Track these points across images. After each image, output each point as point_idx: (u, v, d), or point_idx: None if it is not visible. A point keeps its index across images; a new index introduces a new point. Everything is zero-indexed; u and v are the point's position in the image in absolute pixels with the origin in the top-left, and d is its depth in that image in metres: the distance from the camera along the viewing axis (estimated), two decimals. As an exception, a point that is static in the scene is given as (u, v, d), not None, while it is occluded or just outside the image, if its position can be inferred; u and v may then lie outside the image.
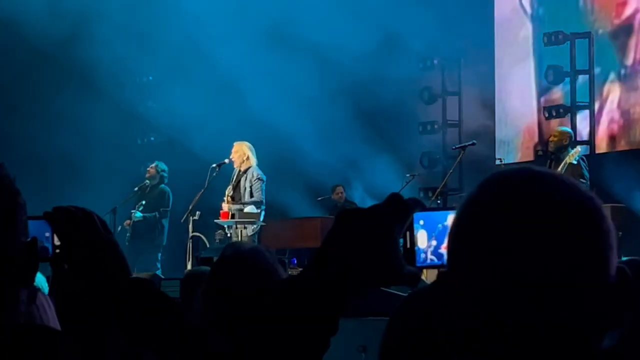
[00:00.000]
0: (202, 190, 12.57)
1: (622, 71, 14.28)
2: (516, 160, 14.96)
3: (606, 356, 1.45)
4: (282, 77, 15.25)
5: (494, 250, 1.43)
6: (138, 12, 15.55)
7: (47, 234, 1.92)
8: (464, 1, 15.53)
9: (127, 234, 13.82)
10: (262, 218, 12.39)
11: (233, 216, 12.22)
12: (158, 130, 16.97)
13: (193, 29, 15.65)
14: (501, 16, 15.89)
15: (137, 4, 15.65)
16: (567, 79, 14.61)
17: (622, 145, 14.22)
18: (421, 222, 1.59)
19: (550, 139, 11.79)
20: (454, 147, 13.44)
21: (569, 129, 12.27)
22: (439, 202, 13.39)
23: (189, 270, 7.50)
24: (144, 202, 13.79)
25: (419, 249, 1.59)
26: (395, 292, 6.34)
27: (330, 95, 15.18)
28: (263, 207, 12.39)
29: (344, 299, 1.47)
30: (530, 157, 14.94)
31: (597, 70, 14.43)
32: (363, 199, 15.31)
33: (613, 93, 14.36)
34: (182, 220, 12.81)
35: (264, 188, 12.39)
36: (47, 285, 3.09)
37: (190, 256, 12.21)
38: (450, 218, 1.55)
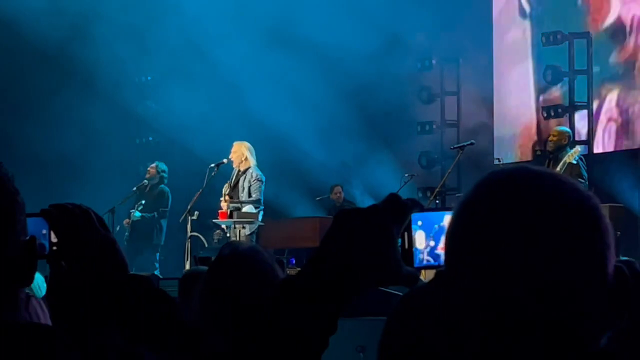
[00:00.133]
0: (201, 190, 12.57)
1: (621, 71, 14.29)
2: (515, 160, 14.95)
3: (603, 355, 1.45)
4: (281, 76, 15.25)
5: (491, 249, 1.43)
6: (137, 12, 15.55)
7: (44, 231, 1.92)
8: (463, 1, 15.53)
9: (126, 233, 13.83)
10: (260, 218, 12.40)
11: (231, 216, 12.22)
12: (156, 130, 16.97)
13: (192, 29, 15.65)
14: (499, 16, 15.88)
15: (136, 4, 15.65)
16: (566, 79, 14.61)
17: (620, 145, 14.22)
18: (419, 223, 1.59)
19: (549, 139, 11.79)
20: (452, 147, 13.43)
21: (567, 129, 12.27)
22: (437, 202, 13.39)
23: (187, 270, 7.48)
24: (143, 202, 13.79)
25: (417, 249, 1.59)
26: (394, 291, 6.34)
27: (328, 94, 15.17)
28: (261, 207, 12.40)
29: (342, 298, 1.47)
30: (529, 157, 14.95)
31: (595, 69, 14.44)
32: (362, 199, 15.31)
33: (611, 93, 14.37)
34: (180, 220, 12.81)
35: (263, 189, 12.40)
36: (44, 284, 3.09)
37: (189, 256, 12.20)
38: (447, 218, 1.55)
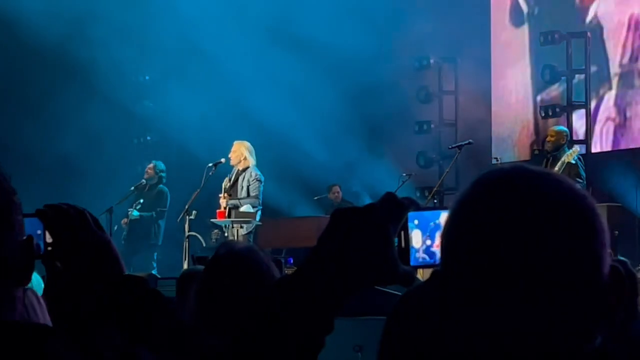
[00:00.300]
0: (199, 190, 12.57)
1: (619, 70, 14.30)
2: (513, 159, 14.97)
3: (598, 354, 1.45)
4: (279, 76, 15.25)
5: (487, 248, 1.43)
6: (135, 12, 15.55)
7: (39, 231, 1.92)
8: (461, 0, 15.54)
9: (124, 233, 13.82)
10: (258, 218, 12.40)
11: (229, 215, 12.22)
12: (155, 129, 16.96)
13: (191, 28, 15.65)
14: (497, 15, 15.89)
15: (135, 4, 15.64)
16: (564, 78, 14.62)
17: (618, 145, 14.23)
18: (416, 222, 1.59)
19: (547, 139, 11.81)
20: (450, 147, 13.44)
21: (565, 128, 12.28)
22: (435, 201, 13.39)
23: (185, 270, 7.47)
24: (141, 201, 13.79)
25: (413, 248, 1.59)
26: (392, 291, 6.34)
27: (326, 94, 15.17)
28: (259, 207, 12.41)
29: (339, 298, 1.47)
30: (527, 156, 14.96)
31: (593, 69, 14.44)
32: (360, 198, 15.31)
33: (609, 92, 14.38)
34: (178, 220, 12.81)
35: (261, 189, 12.41)
36: (42, 284, 3.09)
37: (187, 255, 12.20)
38: (443, 216, 1.55)
